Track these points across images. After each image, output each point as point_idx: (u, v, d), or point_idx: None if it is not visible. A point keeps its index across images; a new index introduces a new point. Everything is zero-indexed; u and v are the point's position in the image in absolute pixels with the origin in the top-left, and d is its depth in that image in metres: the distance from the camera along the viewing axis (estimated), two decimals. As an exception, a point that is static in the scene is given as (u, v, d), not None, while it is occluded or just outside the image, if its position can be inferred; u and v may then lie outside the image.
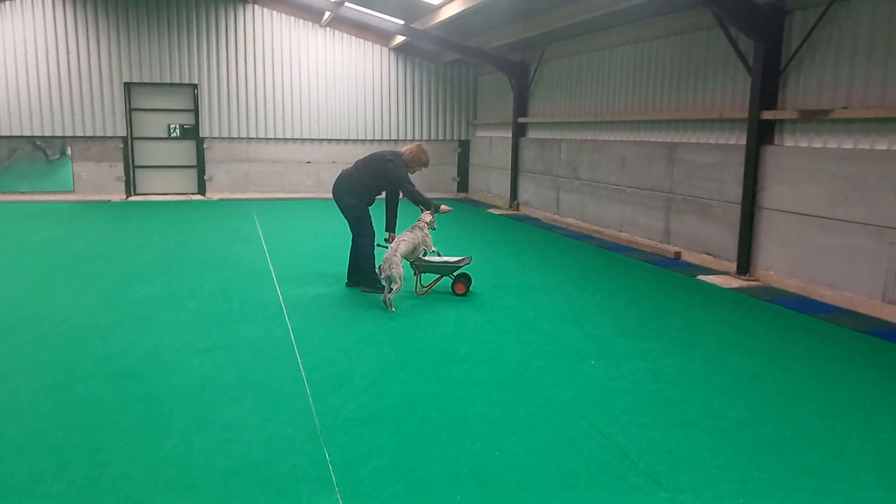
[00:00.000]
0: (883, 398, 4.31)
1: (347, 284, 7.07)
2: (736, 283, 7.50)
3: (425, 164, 6.94)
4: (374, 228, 6.91)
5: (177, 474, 3.24)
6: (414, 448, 3.54)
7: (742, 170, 7.75)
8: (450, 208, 6.94)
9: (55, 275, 7.44)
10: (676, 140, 9.21)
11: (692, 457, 3.50)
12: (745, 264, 7.68)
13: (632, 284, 7.44)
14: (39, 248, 9.02)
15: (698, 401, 4.22)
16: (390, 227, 7.07)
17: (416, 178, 7.18)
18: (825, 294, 6.70)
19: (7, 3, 13.95)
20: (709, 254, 8.45)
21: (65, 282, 7.12)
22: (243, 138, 15.46)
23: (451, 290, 6.76)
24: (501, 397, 4.22)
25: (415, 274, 6.83)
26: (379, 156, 6.85)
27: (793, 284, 7.09)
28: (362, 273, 6.88)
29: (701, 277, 7.78)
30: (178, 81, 14.90)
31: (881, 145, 6.28)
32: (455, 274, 6.77)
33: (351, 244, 6.95)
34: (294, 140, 15.75)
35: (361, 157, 7.00)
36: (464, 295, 6.69)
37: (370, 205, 6.90)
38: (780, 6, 7.21)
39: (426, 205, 6.72)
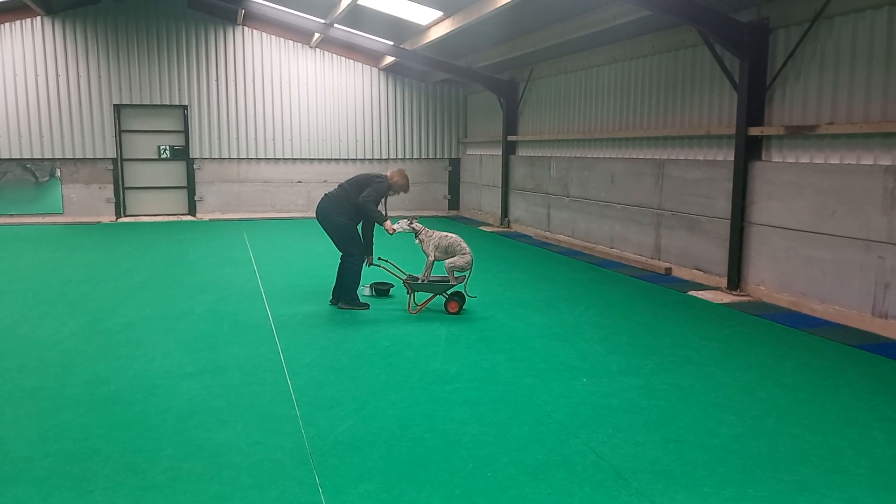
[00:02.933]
0: (876, 412, 4.30)
1: (331, 302, 7.07)
2: (727, 298, 7.51)
3: (405, 190, 7.12)
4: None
5: (164, 502, 3.19)
6: (405, 470, 3.50)
7: (730, 185, 7.80)
8: (394, 229, 6.90)
9: (43, 299, 7.37)
10: (665, 156, 9.27)
11: (686, 475, 3.48)
12: (735, 279, 7.70)
13: (623, 301, 7.44)
14: (27, 272, 8.94)
15: (691, 417, 4.20)
16: (367, 250, 7.11)
17: (408, 197, 7.20)
18: (815, 308, 6.72)
19: (-4, 26, 13.99)
20: (699, 269, 8.47)
21: (52, 306, 7.05)
22: (234, 159, 15.46)
23: (444, 308, 6.74)
24: (494, 417, 4.19)
25: (408, 293, 6.81)
26: (366, 176, 6.99)
27: (783, 299, 7.11)
28: (343, 289, 6.91)
29: (692, 293, 7.79)
30: (167, 103, 14.92)
31: (866, 160, 6.33)
32: (448, 293, 6.75)
33: (340, 262, 6.97)
34: (285, 160, 15.77)
35: (347, 179, 7.08)
36: (457, 313, 6.67)
37: (358, 223, 6.95)
38: (763, 24, 7.29)
39: (377, 216, 6.78)
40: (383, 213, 6.93)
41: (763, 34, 7.30)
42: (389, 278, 7.77)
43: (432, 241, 6.77)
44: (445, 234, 6.83)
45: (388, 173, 7.06)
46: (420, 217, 7.32)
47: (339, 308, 6.92)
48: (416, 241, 6.91)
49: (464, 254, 6.70)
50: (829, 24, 6.68)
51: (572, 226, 11.57)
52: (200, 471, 3.48)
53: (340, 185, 6.99)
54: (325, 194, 7.04)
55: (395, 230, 6.83)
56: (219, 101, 15.19)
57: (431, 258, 6.76)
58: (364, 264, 7.01)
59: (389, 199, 7.17)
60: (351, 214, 6.82)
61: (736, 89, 7.58)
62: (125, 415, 4.21)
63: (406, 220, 6.94)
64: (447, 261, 6.72)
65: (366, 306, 6.90)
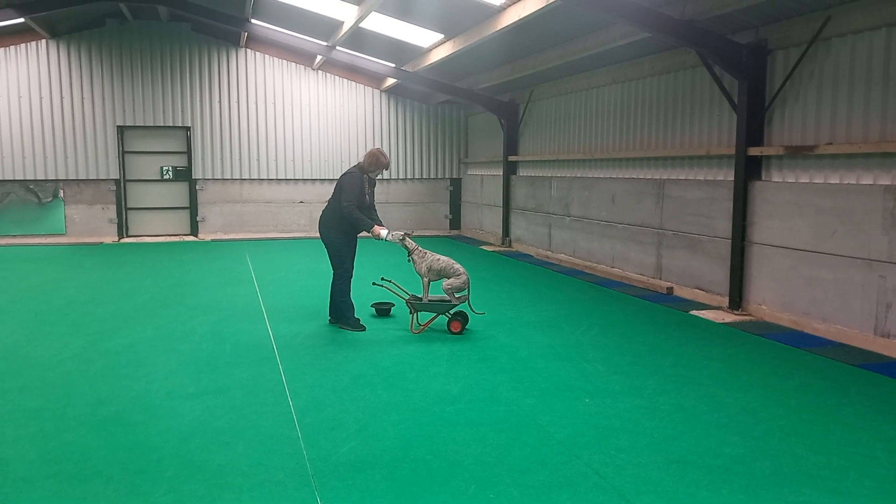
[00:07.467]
0: (879, 433, 4.28)
1: (329, 321, 7.09)
2: (729, 317, 7.50)
3: (385, 167, 6.89)
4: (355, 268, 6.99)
5: (165, 524, 3.18)
6: (407, 492, 3.49)
7: (731, 205, 7.83)
8: (381, 235, 6.74)
9: (45, 320, 7.38)
10: (665, 176, 9.31)
11: (689, 496, 3.46)
12: (737, 299, 7.70)
13: (625, 320, 7.44)
14: (30, 293, 8.96)
15: (694, 438, 4.18)
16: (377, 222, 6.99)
17: (410, 216, 7.22)
18: (818, 328, 6.71)
19: (0, 48, 14.13)
20: (701, 289, 8.47)
21: (54, 327, 7.06)
22: (236, 179, 15.54)
23: (446, 328, 6.74)
24: (496, 438, 4.18)
25: (411, 313, 6.82)
26: (343, 175, 6.92)
27: (785, 318, 7.10)
28: (337, 312, 6.98)
29: (694, 312, 7.78)
30: (171, 124, 15.04)
31: (866, 179, 6.36)
32: (451, 312, 6.76)
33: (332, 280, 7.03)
34: (287, 180, 15.85)
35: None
36: (459, 333, 6.67)
37: (351, 235, 6.91)
38: (762, 45, 7.37)
39: (361, 224, 6.71)
40: (369, 217, 6.83)
41: (761, 55, 7.38)
42: (391, 298, 7.78)
43: (425, 263, 6.77)
44: (438, 256, 6.82)
45: (363, 158, 6.89)
46: (421, 237, 7.32)
47: (339, 328, 6.92)
48: (409, 260, 6.91)
49: (458, 274, 6.70)
50: (826, 45, 6.75)
51: (574, 245, 11.59)
52: (202, 492, 3.47)
53: (329, 199, 7.04)
54: (323, 210, 7.09)
55: (381, 236, 6.73)
56: (221, 123, 15.30)
57: (426, 279, 6.77)
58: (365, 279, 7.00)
59: (392, 214, 7.13)
60: (341, 226, 6.82)
61: (735, 110, 7.63)
62: (126, 436, 4.20)
63: (400, 233, 6.87)
64: (444, 283, 6.73)
65: (362, 328, 6.88)
